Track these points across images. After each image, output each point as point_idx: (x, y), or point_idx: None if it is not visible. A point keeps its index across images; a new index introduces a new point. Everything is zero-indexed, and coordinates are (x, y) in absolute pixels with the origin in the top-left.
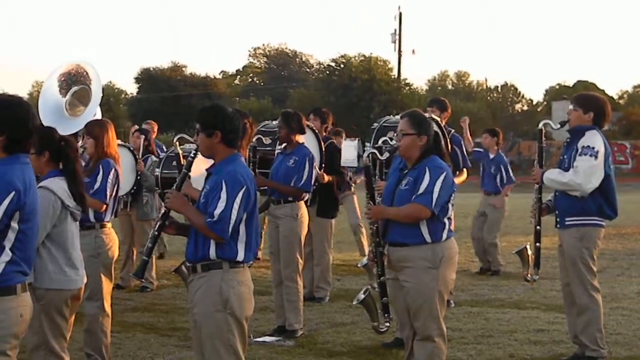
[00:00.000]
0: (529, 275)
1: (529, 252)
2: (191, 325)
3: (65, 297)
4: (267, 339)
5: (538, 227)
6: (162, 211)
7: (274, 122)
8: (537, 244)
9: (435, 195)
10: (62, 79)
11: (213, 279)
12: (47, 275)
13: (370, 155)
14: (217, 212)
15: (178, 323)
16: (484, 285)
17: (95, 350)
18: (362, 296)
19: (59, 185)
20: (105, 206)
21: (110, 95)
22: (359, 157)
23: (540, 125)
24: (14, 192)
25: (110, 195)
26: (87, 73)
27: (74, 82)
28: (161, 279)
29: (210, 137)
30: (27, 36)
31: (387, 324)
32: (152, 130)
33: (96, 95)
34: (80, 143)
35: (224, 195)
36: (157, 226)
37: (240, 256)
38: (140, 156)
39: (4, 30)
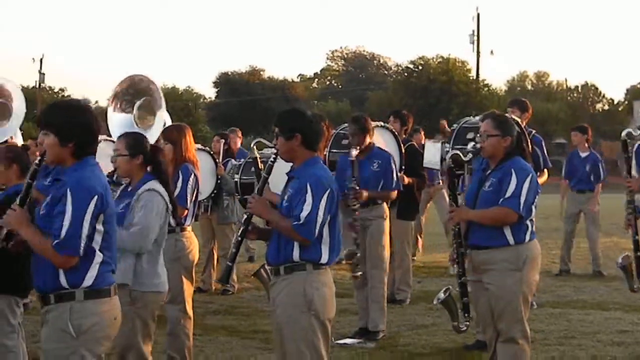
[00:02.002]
0: (635, 286)
1: (632, 264)
2: (273, 328)
3: (160, 300)
4: (349, 341)
5: (637, 237)
6: (245, 216)
7: None
8: (638, 254)
9: (522, 199)
10: (121, 98)
11: (296, 280)
12: (146, 278)
13: (453, 156)
14: (304, 214)
15: (259, 326)
16: (566, 287)
17: (178, 353)
18: (442, 296)
19: (160, 188)
20: (186, 211)
21: (189, 99)
22: (442, 159)
23: (623, 135)
24: (97, 196)
25: (190, 200)
26: (145, 84)
27: (135, 96)
28: (242, 282)
29: (289, 140)
30: (104, 42)
31: (467, 324)
32: (238, 136)
33: (161, 103)
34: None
35: (309, 198)
36: (240, 232)
37: (324, 258)
38: (220, 160)
39: (83, 37)
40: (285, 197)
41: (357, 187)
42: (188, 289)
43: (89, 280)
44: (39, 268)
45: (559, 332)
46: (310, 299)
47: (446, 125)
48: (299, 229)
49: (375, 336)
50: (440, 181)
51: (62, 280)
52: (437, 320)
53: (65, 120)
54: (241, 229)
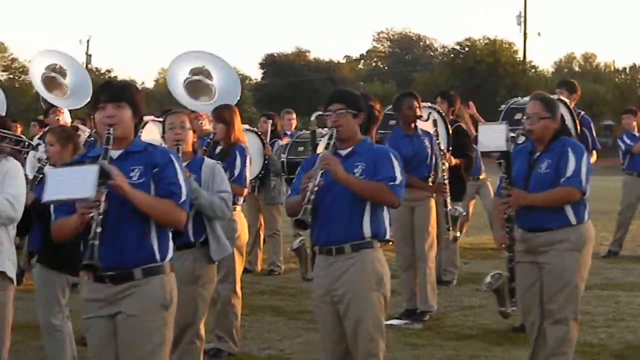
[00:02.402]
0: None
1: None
2: (320, 308)
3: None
4: (395, 322)
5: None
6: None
7: None
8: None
9: (583, 177)
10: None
11: (365, 258)
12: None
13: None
14: (398, 176)
15: (305, 306)
16: (614, 269)
17: (226, 333)
18: (492, 281)
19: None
20: (245, 190)
21: None
22: (508, 140)
23: None
24: None
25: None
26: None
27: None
28: (288, 263)
29: (355, 117)
30: (152, 24)
31: (514, 308)
32: (293, 118)
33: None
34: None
35: (396, 164)
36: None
37: (388, 234)
38: (267, 140)
39: (132, 21)
40: (357, 171)
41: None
42: (239, 268)
43: (171, 252)
44: (126, 244)
45: (607, 314)
46: (380, 277)
47: (473, 107)
48: (395, 189)
49: (422, 317)
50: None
51: (156, 253)
52: (484, 301)
53: (139, 97)
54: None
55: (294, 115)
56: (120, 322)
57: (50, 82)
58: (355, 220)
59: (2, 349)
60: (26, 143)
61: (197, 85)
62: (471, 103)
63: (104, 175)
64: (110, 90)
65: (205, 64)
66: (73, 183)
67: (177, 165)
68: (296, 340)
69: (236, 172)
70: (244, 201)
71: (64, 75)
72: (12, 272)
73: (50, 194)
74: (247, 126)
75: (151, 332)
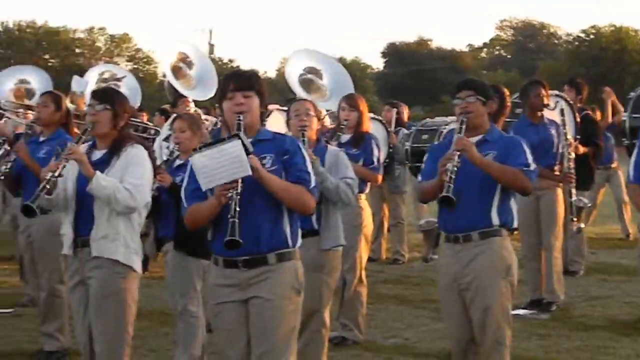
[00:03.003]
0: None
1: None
2: (446, 296)
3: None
4: (521, 312)
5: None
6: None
7: None
8: None
9: None
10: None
11: (493, 246)
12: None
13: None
14: (530, 162)
15: (430, 295)
16: None
17: (351, 321)
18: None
19: None
20: (380, 177)
21: (356, 70)
22: None
23: None
24: None
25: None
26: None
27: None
28: (412, 252)
29: (485, 105)
30: (274, 13)
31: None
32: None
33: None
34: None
35: (527, 151)
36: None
37: (515, 222)
38: (392, 129)
39: (254, 10)
40: (488, 159)
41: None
42: (365, 256)
43: (300, 239)
44: (261, 229)
45: None
46: (508, 265)
47: (612, 94)
48: (530, 174)
49: (548, 307)
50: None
51: (288, 239)
52: (612, 292)
53: (265, 86)
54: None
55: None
56: (254, 307)
57: (178, 72)
58: (484, 208)
59: (125, 336)
60: (152, 131)
61: (309, 84)
62: (608, 89)
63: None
64: (239, 80)
65: (317, 64)
66: (224, 164)
67: (304, 151)
68: (421, 328)
69: (373, 158)
70: (369, 189)
71: (190, 66)
72: (129, 260)
73: (208, 181)
74: (371, 114)
75: (286, 316)
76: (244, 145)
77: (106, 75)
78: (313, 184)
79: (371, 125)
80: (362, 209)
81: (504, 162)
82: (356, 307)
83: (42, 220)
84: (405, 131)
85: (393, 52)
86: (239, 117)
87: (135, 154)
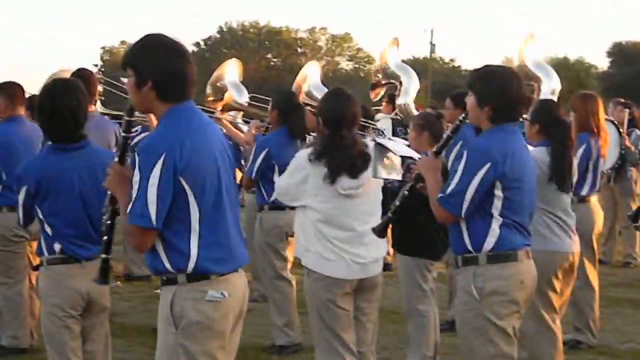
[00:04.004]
0: None
1: None
2: None
3: (555, 262)
4: None
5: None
6: None
7: None
8: None
9: None
10: None
11: None
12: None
13: None
14: None
15: None
16: None
17: (583, 324)
18: None
19: None
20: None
21: (580, 70)
22: None
23: None
24: (489, 163)
25: (586, 170)
26: None
27: None
28: None
29: None
30: (494, 10)
31: None
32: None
33: None
34: None
35: None
36: None
37: None
38: (624, 130)
39: (474, 9)
40: None
41: None
42: (593, 259)
43: (489, 244)
44: (451, 230)
45: None
46: None
47: None
48: None
49: None
50: None
51: (467, 243)
52: None
53: (484, 84)
54: None
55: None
56: None
57: None
58: None
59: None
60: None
61: None
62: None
63: None
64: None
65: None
66: None
67: (464, 158)
68: None
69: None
70: (598, 191)
71: None
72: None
73: None
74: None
75: (463, 320)
76: None
77: None
78: (447, 192)
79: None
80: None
81: None
82: (586, 311)
83: None
84: (639, 132)
85: (619, 52)
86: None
87: None
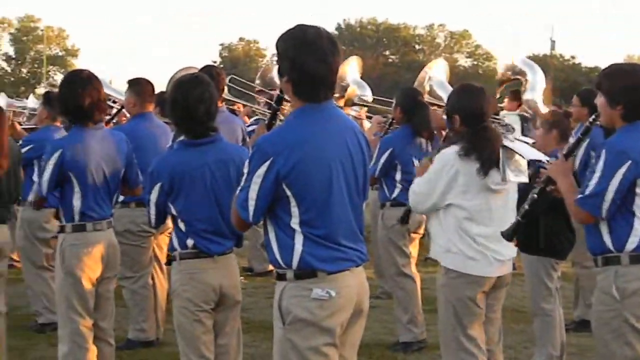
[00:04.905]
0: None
1: None
2: None
3: None
4: None
5: None
6: None
7: None
8: None
9: None
10: None
11: None
12: None
13: None
14: None
15: None
16: None
17: None
18: None
19: None
20: None
21: None
22: None
23: None
24: (629, 162)
25: None
26: None
27: None
28: None
29: None
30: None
31: None
32: None
33: None
34: None
35: None
36: None
37: None
38: None
39: (597, 6)
40: None
41: None
42: None
43: (631, 244)
44: (589, 230)
45: None
46: None
47: None
48: None
49: None
50: None
51: (608, 243)
52: None
53: (613, 83)
54: None
55: None
56: None
57: None
58: None
59: None
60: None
61: None
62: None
63: None
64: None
65: None
66: None
67: (602, 158)
68: None
69: None
70: None
71: None
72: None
73: None
74: None
75: (600, 320)
76: None
77: None
78: (586, 193)
79: None
80: None
81: None
82: None
83: None
84: None
85: None
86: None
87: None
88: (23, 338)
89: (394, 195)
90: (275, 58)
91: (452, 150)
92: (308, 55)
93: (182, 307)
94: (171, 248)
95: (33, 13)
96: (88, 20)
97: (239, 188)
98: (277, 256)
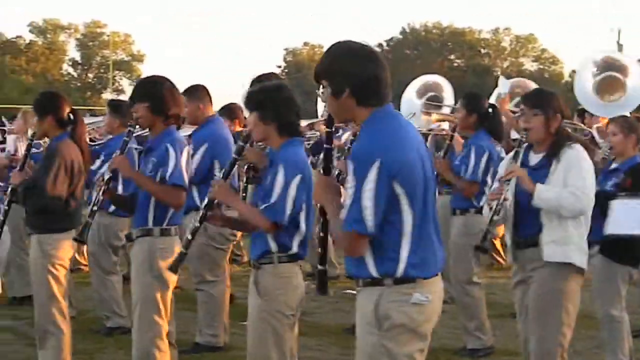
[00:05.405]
0: None
1: None
2: None
3: None
4: None
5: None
6: None
7: None
8: None
9: None
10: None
11: None
12: None
13: None
14: None
15: None
16: None
17: None
18: None
19: None
20: None
21: None
22: None
23: None
24: None
25: None
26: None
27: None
28: None
29: None
30: None
31: None
32: None
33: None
34: None
35: None
36: None
37: None
38: None
39: None
40: None
41: None
42: None
43: None
44: None
45: None
46: None
47: None
48: None
49: None
50: None
51: None
52: None
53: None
54: None
55: None
56: None
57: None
58: None
59: (559, 338)
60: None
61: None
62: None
63: None
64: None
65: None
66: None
67: None
68: None
69: None
70: None
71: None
72: (581, 263)
73: (614, 227)
74: None
75: None
76: None
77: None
78: None
79: None
80: None
81: None
82: None
83: None
84: None
85: None
86: None
87: (573, 155)
88: (91, 342)
89: (482, 202)
90: (321, 90)
91: (581, 149)
92: (362, 60)
93: (277, 310)
94: (264, 251)
95: (99, 19)
96: (153, 27)
97: (345, 208)
98: (371, 266)
